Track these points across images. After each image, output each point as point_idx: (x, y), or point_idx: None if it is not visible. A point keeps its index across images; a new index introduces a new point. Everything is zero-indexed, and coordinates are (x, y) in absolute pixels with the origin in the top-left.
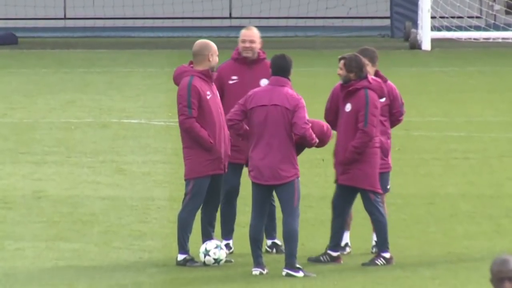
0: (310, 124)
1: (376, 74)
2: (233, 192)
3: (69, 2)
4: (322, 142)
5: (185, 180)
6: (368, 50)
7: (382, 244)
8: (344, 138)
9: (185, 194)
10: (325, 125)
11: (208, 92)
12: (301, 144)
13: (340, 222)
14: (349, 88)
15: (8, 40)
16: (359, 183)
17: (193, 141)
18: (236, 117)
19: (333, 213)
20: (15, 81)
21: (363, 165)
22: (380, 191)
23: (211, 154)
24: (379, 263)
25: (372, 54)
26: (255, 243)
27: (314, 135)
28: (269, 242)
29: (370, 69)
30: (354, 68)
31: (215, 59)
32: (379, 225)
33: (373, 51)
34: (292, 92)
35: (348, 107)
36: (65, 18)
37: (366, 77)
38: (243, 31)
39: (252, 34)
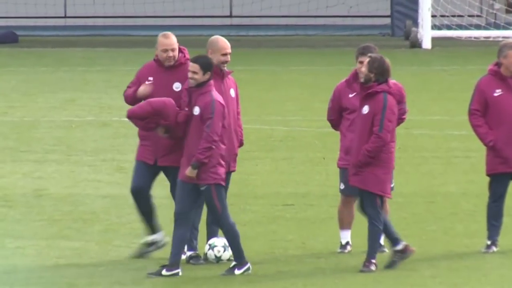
0: None
1: None
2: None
3: (70, 1)
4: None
5: None
6: (369, 48)
7: (374, 250)
8: (359, 140)
9: None
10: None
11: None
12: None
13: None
14: (368, 91)
15: (9, 38)
16: (370, 187)
17: None
18: None
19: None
20: (15, 80)
21: (376, 169)
22: (390, 196)
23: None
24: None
25: (373, 51)
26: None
27: None
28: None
29: None
30: (374, 69)
31: (216, 58)
32: (376, 231)
33: (374, 48)
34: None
35: (366, 109)
36: (65, 17)
37: (386, 81)
38: (161, 40)
39: (172, 43)
